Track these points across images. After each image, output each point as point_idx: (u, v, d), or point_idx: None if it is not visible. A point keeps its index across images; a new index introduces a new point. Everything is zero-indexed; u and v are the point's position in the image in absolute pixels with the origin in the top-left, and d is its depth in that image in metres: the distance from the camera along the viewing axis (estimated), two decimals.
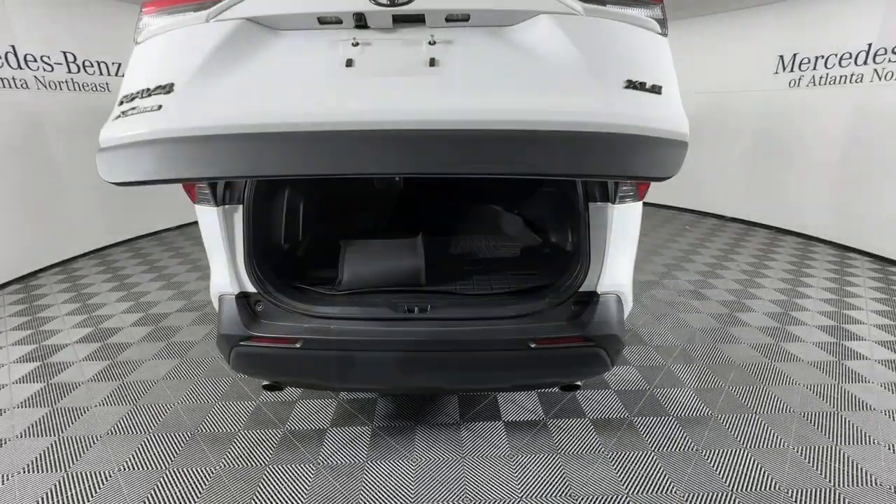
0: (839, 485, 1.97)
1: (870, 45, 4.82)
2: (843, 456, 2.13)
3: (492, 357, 1.85)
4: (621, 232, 1.83)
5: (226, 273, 1.90)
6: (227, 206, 1.84)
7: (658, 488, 1.98)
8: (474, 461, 2.13)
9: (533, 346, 1.78)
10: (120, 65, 5.48)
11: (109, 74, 5.36)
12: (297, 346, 1.81)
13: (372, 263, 2.15)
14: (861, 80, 4.92)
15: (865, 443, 2.20)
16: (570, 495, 1.95)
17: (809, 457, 2.12)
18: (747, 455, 2.14)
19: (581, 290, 1.86)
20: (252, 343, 1.84)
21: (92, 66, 5.17)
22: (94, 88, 5.21)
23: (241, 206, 1.85)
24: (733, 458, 2.12)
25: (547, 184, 2.78)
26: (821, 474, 2.02)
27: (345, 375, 1.95)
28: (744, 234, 5.92)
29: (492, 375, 1.99)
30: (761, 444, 2.21)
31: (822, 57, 5.23)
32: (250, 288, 1.91)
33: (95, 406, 2.55)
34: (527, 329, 1.82)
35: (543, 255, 2.53)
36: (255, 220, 1.89)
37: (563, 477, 2.04)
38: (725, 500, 1.91)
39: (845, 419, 2.37)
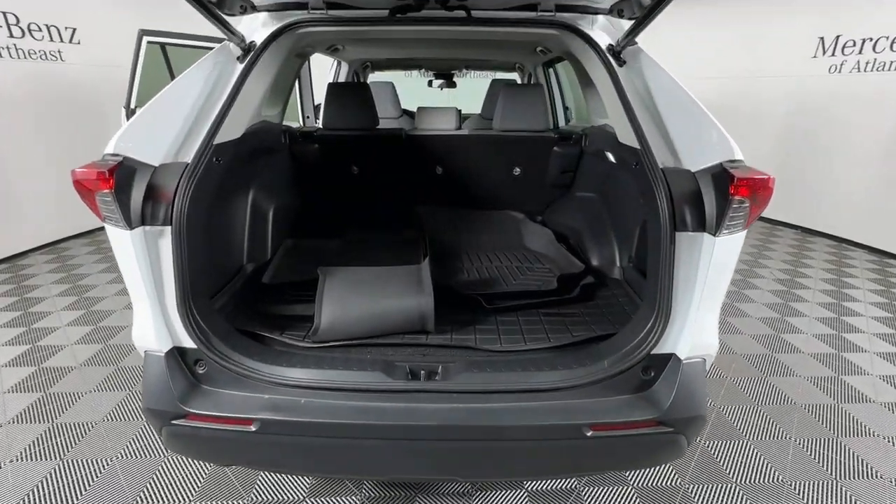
0: None
1: None
2: None
3: (529, 448, 1.33)
4: (718, 272, 1.30)
5: (151, 321, 1.35)
6: (148, 228, 1.28)
7: None
8: None
9: (589, 433, 1.27)
10: (75, 30, 4.77)
11: (62, 41, 4.65)
12: (252, 428, 1.28)
13: (360, 302, 1.58)
14: None
15: None
16: None
17: None
18: None
19: (655, 352, 1.34)
20: (190, 422, 1.30)
21: (40, 29, 4.45)
22: (44, 57, 4.50)
23: (168, 228, 1.28)
24: None
25: (593, 179, 2.23)
26: None
27: (322, 466, 1.43)
28: (769, 234, 5.45)
29: (527, 469, 1.47)
30: None
31: (871, 39, 4.68)
32: (187, 342, 1.36)
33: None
34: (579, 408, 1.31)
35: (591, 289, 1.96)
36: (194, 245, 1.33)
37: None
38: None
39: None
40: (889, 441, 2.14)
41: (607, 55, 1.58)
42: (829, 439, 2.13)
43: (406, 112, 3.82)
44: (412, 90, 4.52)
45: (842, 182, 5.04)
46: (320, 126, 2.57)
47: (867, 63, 4.73)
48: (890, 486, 1.88)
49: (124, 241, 1.26)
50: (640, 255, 1.83)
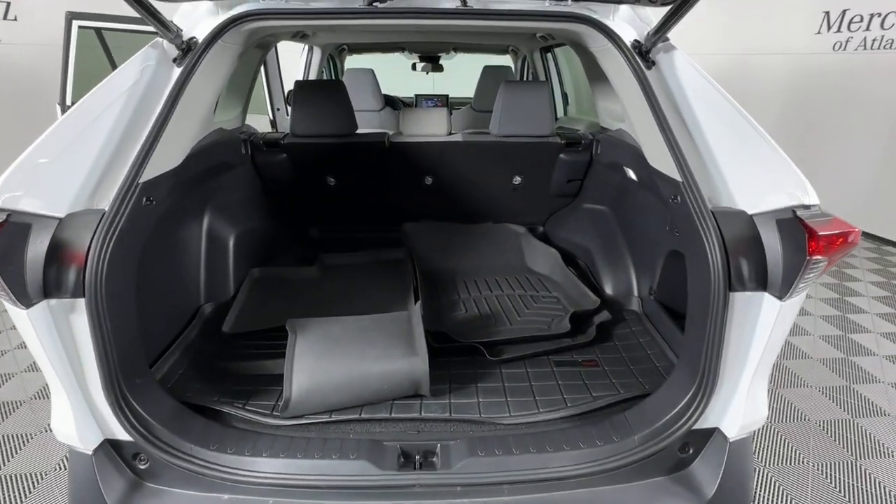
0: None
1: None
2: None
3: None
4: (779, 337, 1.07)
5: (71, 413, 1.06)
6: (53, 302, 0.98)
7: None
8: None
9: None
10: (9, 4, 4.20)
11: None
12: None
13: (339, 366, 1.30)
14: None
15: None
16: None
17: None
18: None
19: (696, 426, 1.12)
20: None
21: None
22: None
23: (81, 301, 0.98)
24: None
25: (605, 191, 1.94)
26: None
27: None
28: None
29: None
30: None
31: (880, 15, 4.41)
32: (121, 433, 1.08)
33: None
34: (611, 500, 1.09)
35: (608, 327, 1.68)
36: (121, 312, 1.04)
37: None
38: None
39: None
40: None
41: (634, 55, 1.28)
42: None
43: (388, 100, 3.45)
44: (394, 73, 4.13)
45: (844, 166, 4.87)
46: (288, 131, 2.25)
47: (874, 40, 4.49)
48: None
49: (21, 321, 0.96)
50: (664, 286, 1.59)
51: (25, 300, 0.93)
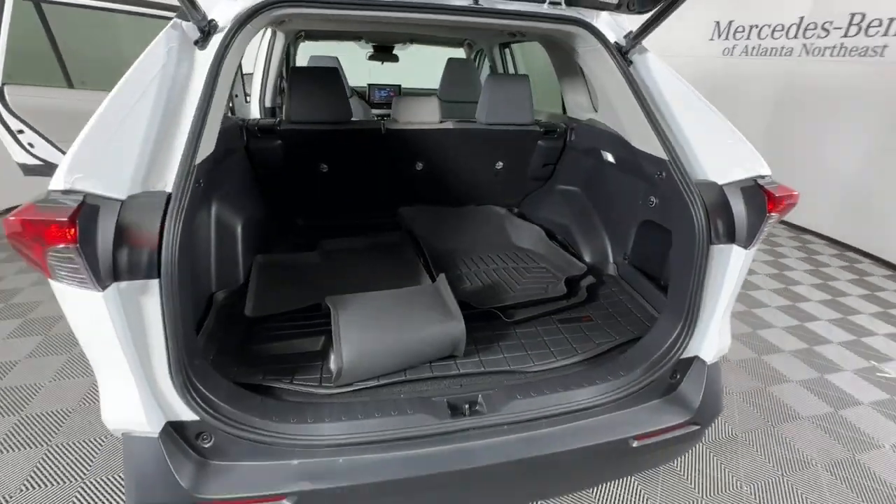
0: None
1: (801, 18, 4.91)
2: None
3: (580, 467, 1.33)
4: (740, 280, 1.38)
5: (138, 399, 1.07)
6: (124, 285, 0.98)
7: None
8: None
9: (634, 444, 1.30)
10: None
11: None
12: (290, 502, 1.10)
13: (384, 335, 1.41)
14: (790, 54, 5.05)
15: None
16: None
17: None
18: None
19: (683, 356, 1.40)
20: None
21: None
22: None
23: (154, 282, 1.00)
24: None
25: (577, 174, 2.14)
26: None
27: None
28: None
29: (575, 486, 1.48)
30: None
31: (757, 26, 5.26)
32: (186, 415, 1.11)
33: None
34: (623, 421, 1.34)
35: (595, 289, 1.96)
36: (185, 295, 1.06)
37: None
38: None
39: None
40: None
41: (620, 55, 1.53)
42: None
43: (355, 91, 3.46)
44: (343, 60, 4.11)
45: None
46: (282, 118, 2.24)
47: (754, 48, 5.34)
48: None
49: (92, 306, 0.96)
50: (637, 252, 1.89)
51: (101, 283, 0.93)
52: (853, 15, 4.49)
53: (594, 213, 2.13)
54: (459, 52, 3.71)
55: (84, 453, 1.86)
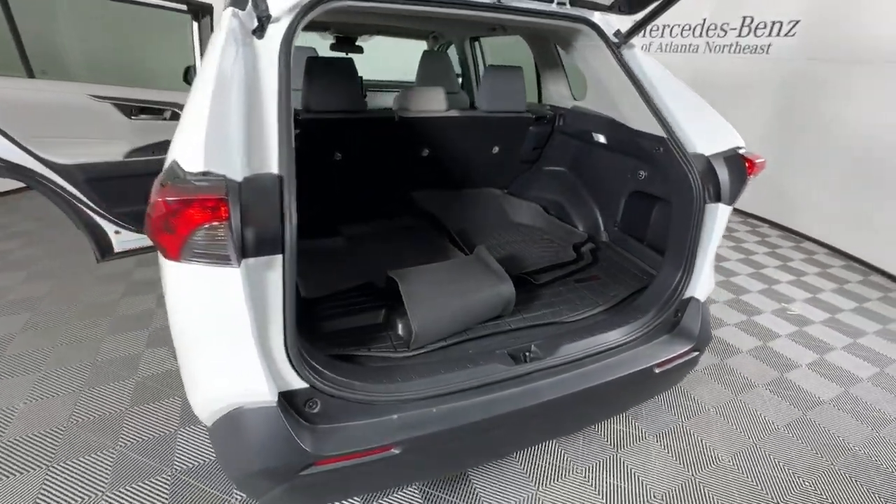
0: None
1: (704, 19, 5.68)
2: None
3: (616, 394, 1.60)
4: (721, 232, 1.72)
5: (260, 371, 1.15)
6: (252, 261, 1.06)
7: None
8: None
9: (657, 371, 1.60)
10: None
11: None
12: (395, 451, 1.25)
13: (448, 300, 1.58)
14: (697, 51, 5.82)
15: None
16: None
17: None
18: None
19: (684, 297, 1.73)
20: (321, 467, 1.19)
21: None
22: None
23: (279, 257, 1.08)
24: None
25: (564, 155, 2.41)
26: None
27: (459, 465, 1.46)
28: None
29: (611, 410, 1.75)
30: None
31: (669, 26, 5.98)
32: (296, 382, 1.21)
33: None
34: (646, 354, 1.63)
35: (595, 253, 2.26)
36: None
37: None
38: None
39: None
40: None
41: (617, 50, 1.81)
42: None
43: None
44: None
45: None
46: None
47: (668, 45, 6.06)
48: None
49: (227, 282, 1.02)
50: (626, 219, 2.21)
51: (239, 259, 1.00)
52: (745, 17, 5.30)
53: (582, 188, 2.43)
54: (423, 45, 3.84)
55: None
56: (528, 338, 1.59)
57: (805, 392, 2.47)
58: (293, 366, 1.17)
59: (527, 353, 1.49)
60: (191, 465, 1.80)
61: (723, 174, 1.63)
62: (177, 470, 1.78)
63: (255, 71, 1.28)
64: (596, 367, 1.53)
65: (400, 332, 1.54)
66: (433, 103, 2.21)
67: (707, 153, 1.67)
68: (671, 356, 1.65)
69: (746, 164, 1.59)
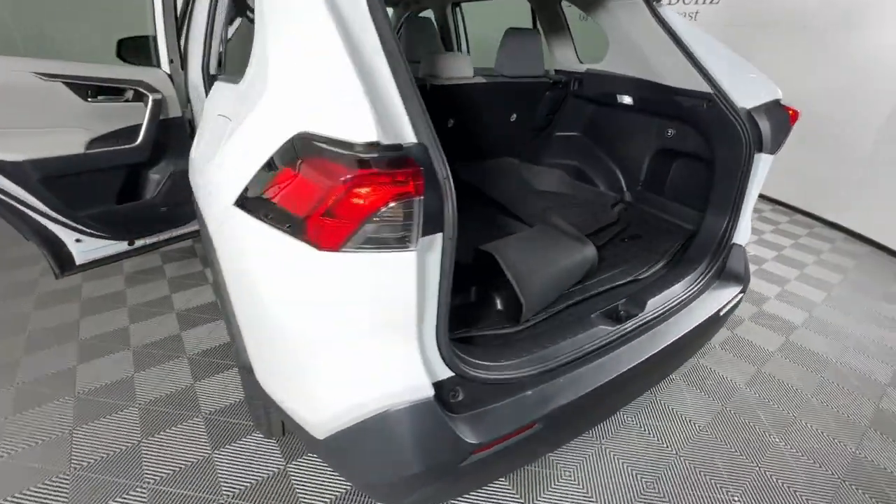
0: None
1: None
2: None
3: (691, 342, 1.68)
4: (762, 181, 1.85)
5: (414, 362, 1.04)
6: (423, 240, 0.93)
7: None
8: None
9: (721, 313, 1.71)
10: None
11: None
12: (539, 427, 1.22)
13: (545, 270, 1.53)
14: None
15: None
16: None
17: None
18: None
19: (731, 244, 1.85)
20: (478, 455, 1.13)
21: None
22: None
23: (439, 235, 0.97)
24: None
25: (577, 120, 2.42)
26: None
27: (584, 428, 1.45)
28: None
29: (690, 353, 1.83)
30: None
31: None
32: (442, 372, 1.11)
33: None
34: (712, 298, 1.73)
35: (629, 210, 2.28)
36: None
37: None
38: None
39: None
40: None
41: (657, 5, 1.83)
42: None
43: None
44: None
45: None
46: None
47: None
48: None
49: (402, 267, 0.90)
50: (651, 178, 2.29)
51: (417, 241, 0.88)
52: None
53: (600, 151, 2.47)
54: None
55: None
56: (612, 298, 1.61)
57: (754, 346, 2.55)
58: (442, 354, 1.07)
59: (622, 313, 1.51)
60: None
61: (764, 126, 1.73)
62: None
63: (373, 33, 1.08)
64: (679, 317, 1.60)
65: (500, 306, 1.48)
66: (461, 69, 2.08)
67: (748, 106, 1.77)
68: (729, 299, 1.76)
69: (790, 114, 1.72)
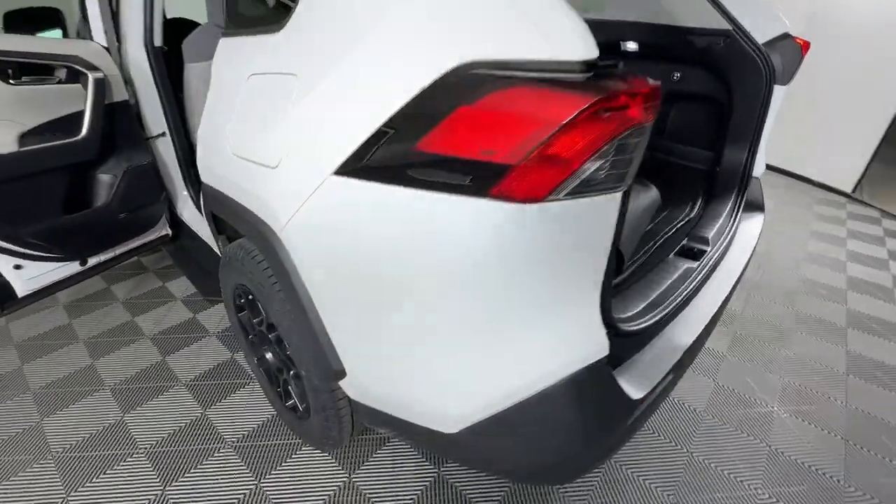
0: None
1: None
2: None
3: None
4: (776, 112, 1.93)
5: (595, 324, 0.93)
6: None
7: None
8: None
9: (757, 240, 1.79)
10: None
11: None
12: (672, 375, 1.18)
13: (628, 220, 1.45)
14: None
15: None
16: None
17: None
18: None
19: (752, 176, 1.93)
20: (640, 408, 1.07)
21: None
22: None
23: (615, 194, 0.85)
24: None
25: None
26: None
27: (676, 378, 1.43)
28: None
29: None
30: None
31: None
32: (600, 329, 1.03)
33: None
34: (749, 228, 1.80)
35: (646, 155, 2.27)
36: None
37: None
38: None
39: None
40: None
41: None
42: None
43: None
44: None
45: None
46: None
47: None
48: None
49: (609, 211, 0.77)
50: (656, 123, 2.30)
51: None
52: None
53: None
54: None
55: None
56: (675, 241, 1.60)
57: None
58: (606, 307, 0.96)
59: (695, 250, 1.51)
60: None
61: (776, 58, 1.80)
62: None
63: None
64: (733, 251, 1.64)
65: None
66: None
67: (761, 40, 1.82)
68: (760, 225, 1.85)
69: (801, 45, 1.80)
